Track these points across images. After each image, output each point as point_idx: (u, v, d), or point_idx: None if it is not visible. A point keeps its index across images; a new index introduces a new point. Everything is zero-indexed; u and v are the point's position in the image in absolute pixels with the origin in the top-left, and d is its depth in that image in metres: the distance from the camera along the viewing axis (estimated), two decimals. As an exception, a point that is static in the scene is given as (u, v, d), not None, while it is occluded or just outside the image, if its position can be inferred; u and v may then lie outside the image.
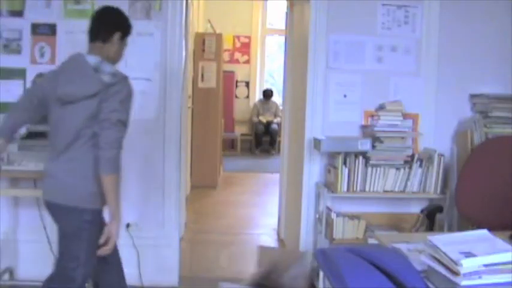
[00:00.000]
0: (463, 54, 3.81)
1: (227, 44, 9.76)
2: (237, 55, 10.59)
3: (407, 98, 3.77)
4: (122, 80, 2.46)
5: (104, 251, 2.47)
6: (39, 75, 3.69)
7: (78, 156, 2.43)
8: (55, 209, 2.49)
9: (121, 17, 2.63)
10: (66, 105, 2.43)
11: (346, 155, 3.57)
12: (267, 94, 10.34)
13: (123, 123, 2.43)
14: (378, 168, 3.61)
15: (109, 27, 2.55)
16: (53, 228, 3.72)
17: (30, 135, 3.52)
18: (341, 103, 3.80)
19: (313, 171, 3.84)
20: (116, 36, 2.55)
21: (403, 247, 2.13)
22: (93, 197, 2.44)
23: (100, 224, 2.52)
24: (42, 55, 3.70)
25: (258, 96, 10.73)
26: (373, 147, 3.60)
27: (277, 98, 10.20)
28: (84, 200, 2.43)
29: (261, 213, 6.02)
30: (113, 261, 2.70)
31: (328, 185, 3.70)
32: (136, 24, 3.66)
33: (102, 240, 2.46)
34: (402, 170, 3.62)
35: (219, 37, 7.35)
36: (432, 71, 3.80)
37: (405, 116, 3.71)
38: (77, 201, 2.43)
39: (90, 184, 2.41)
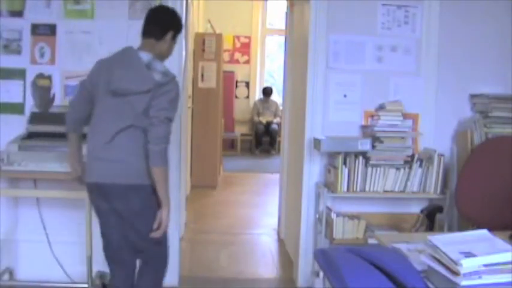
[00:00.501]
0: (463, 54, 3.81)
1: (227, 44, 9.76)
2: (237, 55, 10.59)
3: (407, 98, 3.77)
4: (172, 79, 2.62)
5: (156, 234, 2.61)
6: (39, 76, 3.70)
7: (132, 139, 2.57)
8: (116, 190, 2.58)
9: (175, 17, 2.79)
10: (118, 96, 2.57)
11: (346, 155, 3.57)
12: (267, 92, 10.35)
13: (170, 120, 2.59)
14: (378, 168, 3.61)
15: (164, 26, 2.70)
16: (52, 229, 3.74)
17: (30, 136, 3.52)
18: (341, 103, 3.80)
19: (313, 171, 3.84)
20: (169, 35, 2.72)
21: (403, 247, 2.13)
22: (149, 174, 2.57)
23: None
24: (42, 55, 3.70)
25: (258, 96, 10.74)
26: (373, 147, 3.60)
27: (277, 98, 10.20)
28: (145, 176, 2.57)
29: (261, 213, 6.02)
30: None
31: (328, 185, 3.70)
32: (136, 24, 3.67)
33: (155, 225, 2.59)
34: (402, 170, 3.62)
35: (219, 37, 7.35)
36: (432, 71, 3.80)
37: (405, 116, 3.71)
38: (140, 178, 2.57)
39: (145, 162, 2.55)
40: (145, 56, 2.62)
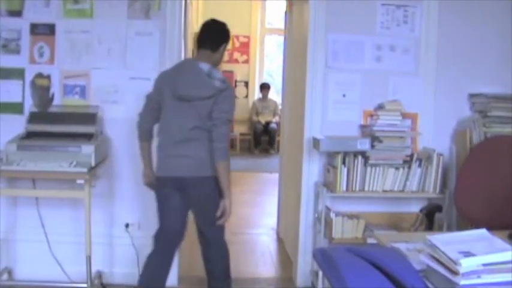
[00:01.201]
0: (462, 53, 3.82)
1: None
2: (236, 55, 10.58)
3: (406, 97, 3.78)
4: (229, 85, 3.03)
5: (221, 221, 2.98)
6: (38, 75, 3.70)
7: (200, 139, 2.94)
8: (192, 181, 2.97)
9: (227, 30, 3.12)
10: (184, 101, 2.94)
11: (345, 154, 3.57)
12: (264, 86, 10.31)
13: (230, 121, 2.98)
14: (377, 168, 3.61)
15: (218, 39, 3.07)
16: (51, 228, 3.74)
17: (29, 135, 3.52)
18: (340, 103, 3.80)
19: (312, 170, 3.84)
20: (222, 47, 3.08)
21: (402, 247, 2.13)
22: (214, 168, 2.93)
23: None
24: (41, 55, 3.70)
25: (257, 96, 10.73)
26: (372, 146, 3.60)
27: (276, 97, 10.19)
28: (212, 169, 2.94)
29: (260, 212, 6.02)
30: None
31: (327, 185, 3.70)
32: (136, 24, 3.70)
33: (218, 213, 2.95)
34: (401, 170, 3.62)
35: (218, 37, 7.33)
36: (431, 70, 3.81)
37: (404, 115, 3.71)
38: (209, 171, 2.94)
39: (211, 158, 2.92)
40: (204, 66, 2.97)
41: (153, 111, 3.11)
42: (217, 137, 2.90)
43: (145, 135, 3.19)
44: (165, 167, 3.07)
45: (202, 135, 2.94)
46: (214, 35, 3.07)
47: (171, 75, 3.06)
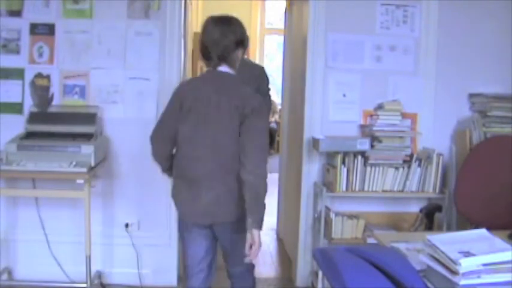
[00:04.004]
0: (462, 53, 3.81)
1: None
2: (236, 55, 10.56)
3: (406, 97, 3.77)
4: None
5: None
6: (38, 75, 3.70)
7: None
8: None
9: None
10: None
11: (345, 154, 3.57)
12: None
13: None
14: (377, 168, 3.61)
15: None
16: (51, 228, 3.74)
17: (29, 135, 3.52)
18: (340, 102, 3.79)
19: (312, 170, 3.84)
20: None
21: (402, 246, 2.14)
22: None
23: None
24: (40, 55, 3.70)
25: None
26: (372, 146, 3.60)
27: (275, 97, 10.17)
28: None
29: (260, 212, 6.00)
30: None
31: (327, 185, 3.70)
32: (135, 23, 3.70)
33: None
34: (401, 170, 3.62)
35: (217, 37, 7.32)
36: (431, 70, 3.80)
37: (404, 115, 3.71)
38: None
39: None
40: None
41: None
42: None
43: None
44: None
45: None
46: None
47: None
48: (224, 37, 2.50)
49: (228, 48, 2.50)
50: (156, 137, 2.60)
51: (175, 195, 2.62)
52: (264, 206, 2.50)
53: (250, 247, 2.40)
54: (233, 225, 2.53)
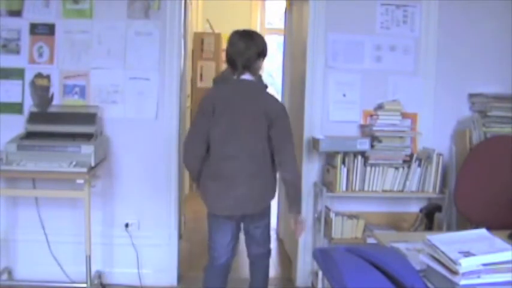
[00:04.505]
0: (462, 53, 3.81)
1: (226, 44, 9.71)
2: (236, 55, 10.56)
3: (405, 97, 3.77)
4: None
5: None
6: (38, 75, 3.70)
7: None
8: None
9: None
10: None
11: (345, 154, 3.57)
12: None
13: None
14: (377, 168, 3.61)
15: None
16: (51, 228, 3.74)
17: (29, 135, 3.52)
18: (340, 102, 3.80)
19: (311, 170, 3.84)
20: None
21: (402, 246, 2.13)
22: None
23: None
24: (40, 55, 3.70)
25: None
26: (372, 146, 3.60)
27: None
28: None
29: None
30: None
31: (327, 185, 3.70)
32: (135, 23, 3.70)
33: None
34: (401, 170, 3.62)
35: (217, 37, 7.34)
36: (431, 70, 3.80)
37: (404, 115, 3.71)
38: None
39: None
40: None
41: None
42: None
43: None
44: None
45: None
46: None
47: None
48: (248, 49, 2.88)
49: (251, 58, 2.89)
50: (193, 140, 2.88)
51: (206, 192, 2.90)
52: (301, 196, 2.97)
53: (299, 230, 2.94)
54: (259, 215, 2.96)
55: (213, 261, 3.01)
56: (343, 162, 3.56)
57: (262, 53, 2.98)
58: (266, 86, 3.05)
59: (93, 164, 3.36)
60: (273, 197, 2.97)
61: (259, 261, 3.13)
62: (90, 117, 3.61)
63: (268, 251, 3.13)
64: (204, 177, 2.90)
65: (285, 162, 2.83)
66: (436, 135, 3.83)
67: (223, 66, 8.77)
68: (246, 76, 2.88)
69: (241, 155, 2.79)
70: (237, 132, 2.79)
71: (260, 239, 3.04)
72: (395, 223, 3.77)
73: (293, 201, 2.89)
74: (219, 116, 2.80)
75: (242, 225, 3.03)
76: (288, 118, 2.94)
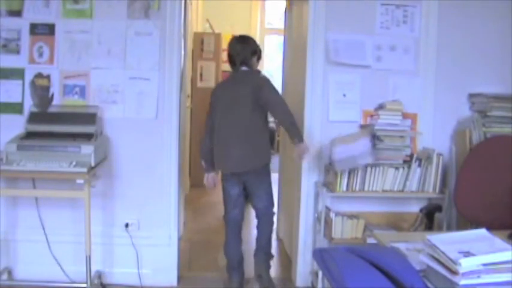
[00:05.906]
0: (462, 53, 3.81)
1: (226, 44, 9.69)
2: (236, 55, 10.53)
3: (405, 97, 3.77)
4: None
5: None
6: (38, 75, 3.70)
7: None
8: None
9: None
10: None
11: (345, 154, 3.57)
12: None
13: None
14: (377, 168, 3.61)
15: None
16: (51, 228, 3.74)
17: (29, 135, 3.52)
18: (340, 102, 3.79)
19: (312, 170, 3.84)
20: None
21: (402, 246, 2.13)
22: None
23: None
24: (40, 55, 3.70)
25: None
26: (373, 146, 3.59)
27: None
28: None
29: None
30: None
31: (327, 185, 3.70)
32: (135, 23, 3.70)
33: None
34: (401, 170, 3.62)
35: (217, 37, 7.34)
36: (431, 70, 3.80)
37: (404, 115, 3.71)
38: None
39: None
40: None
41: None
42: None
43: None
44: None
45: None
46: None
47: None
48: (243, 49, 3.67)
49: (247, 56, 3.66)
50: (205, 139, 3.71)
51: (216, 158, 3.66)
52: (298, 128, 3.54)
53: (301, 155, 3.53)
54: (257, 172, 3.62)
55: (228, 214, 3.75)
56: (343, 162, 3.56)
57: (255, 51, 3.71)
58: (259, 72, 3.75)
59: (93, 164, 3.36)
60: (266, 159, 3.62)
61: (264, 216, 3.75)
62: (90, 117, 3.61)
63: (272, 212, 3.80)
64: (214, 148, 3.64)
65: (276, 111, 3.52)
66: (436, 135, 3.82)
67: (223, 66, 8.80)
68: (243, 68, 3.65)
69: (233, 125, 3.54)
70: (231, 107, 3.55)
71: (262, 194, 3.69)
72: (395, 223, 3.77)
73: (293, 134, 3.46)
74: (220, 99, 3.63)
75: (247, 186, 3.68)
76: (271, 83, 3.57)
